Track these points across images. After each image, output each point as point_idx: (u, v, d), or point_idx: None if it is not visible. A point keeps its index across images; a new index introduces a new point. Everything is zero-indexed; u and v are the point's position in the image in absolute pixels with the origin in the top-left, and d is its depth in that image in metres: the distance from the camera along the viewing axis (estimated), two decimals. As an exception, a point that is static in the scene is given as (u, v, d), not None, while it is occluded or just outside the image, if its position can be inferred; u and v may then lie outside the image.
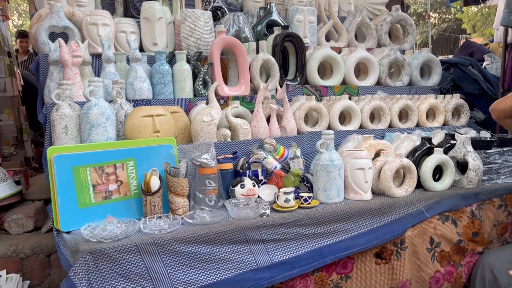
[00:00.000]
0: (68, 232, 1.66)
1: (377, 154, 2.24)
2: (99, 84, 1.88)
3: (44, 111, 2.03)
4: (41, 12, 2.34)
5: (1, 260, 1.86)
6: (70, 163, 1.70)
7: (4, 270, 1.79)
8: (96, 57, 2.34)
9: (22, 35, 5.69)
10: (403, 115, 2.77)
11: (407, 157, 2.24)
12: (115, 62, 2.22)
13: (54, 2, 2.28)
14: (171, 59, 2.42)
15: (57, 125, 1.86)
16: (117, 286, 1.44)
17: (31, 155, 3.53)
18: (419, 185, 2.19)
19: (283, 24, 2.82)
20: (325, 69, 2.89)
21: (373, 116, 2.69)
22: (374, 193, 2.11)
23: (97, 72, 2.32)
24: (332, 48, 2.86)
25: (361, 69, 2.98)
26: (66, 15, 2.31)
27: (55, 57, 2.08)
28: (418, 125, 2.74)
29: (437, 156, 2.18)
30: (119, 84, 2.02)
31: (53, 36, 2.29)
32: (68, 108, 1.88)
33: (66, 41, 2.27)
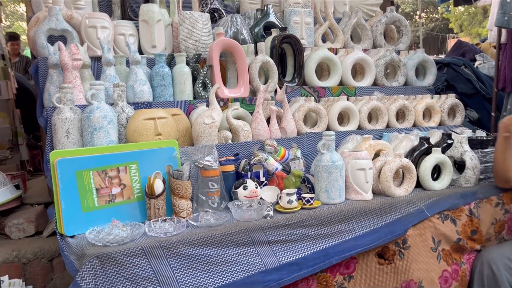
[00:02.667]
0: (72, 237, 1.65)
1: (377, 154, 2.26)
2: (100, 87, 1.88)
3: (44, 115, 2.02)
4: (39, 15, 2.32)
5: (3, 265, 1.85)
6: (73, 167, 1.70)
7: (7, 276, 1.77)
8: (96, 60, 2.33)
9: (13, 37, 5.63)
10: (400, 115, 2.80)
11: (406, 157, 2.27)
12: (114, 65, 2.21)
13: (52, 5, 2.26)
14: (171, 62, 2.42)
15: (58, 129, 1.85)
16: (125, 290, 1.44)
17: (26, 159, 3.50)
18: (418, 184, 2.21)
19: (280, 26, 2.83)
20: (322, 70, 2.91)
21: (370, 117, 2.72)
22: (374, 193, 2.14)
23: (97, 75, 2.31)
24: (328, 49, 2.88)
25: (357, 70, 3.00)
26: (64, 17, 2.30)
27: (54, 60, 2.07)
28: (415, 125, 2.77)
29: (436, 156, 2.21)
30: (120, 87, 2.01)
31: (51, 39, 2.27)
32: (69, 112, 1.87)
33: (64, 44, 2.26)
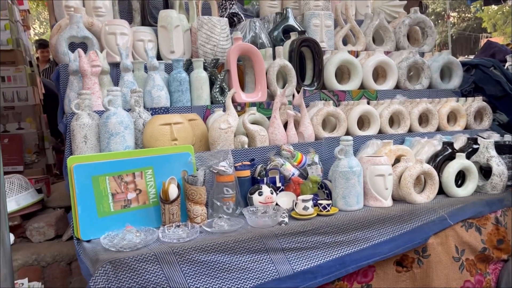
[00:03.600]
0: (88, 241, 1.67)
1: (397, 160, 2.20)
2: (117, 93, 1.90)
3: (64, 121, 2.06)
4: (61, 23, 2.37)
5: (23, 268, 1.89)
6: (90, 173, 1.72)
7: (26, 279, 1.81)
8: (115, 66, 2.37)
9: (42, 45, 5.80)
10: (423, 119, 2.72)
11: (428, 162, 2.20)
12: (133, 71, 2.24)
13: (73, 13, 2.31)
14: (188, 67, 2.43)
15: (76, 135, 1.89)
16: (137, 296, 1.44)
17: (52, 162, 3.59)
18: (441, 191, 2.14)
19: (299, 29, 2.80)
20: (342, 73, 2.86)
21: (392, 121, 2.65)
22: (394, 199, 2.08)
23: (116, 80, 2.35)
24: (349, 52, 2.83)
25: (379, 73, 2.94)
26: (85, 25, 2.35)
27: (74, 67, 2.11)
28: (439, 129, 2.68)
29: (460, 161, 2.13)
30: (137, 92, 2.03)
31: (72, 46, 2.32)
32: (87, 118, 1.90)
33: (85, 51, 2.30)
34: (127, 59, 2.17)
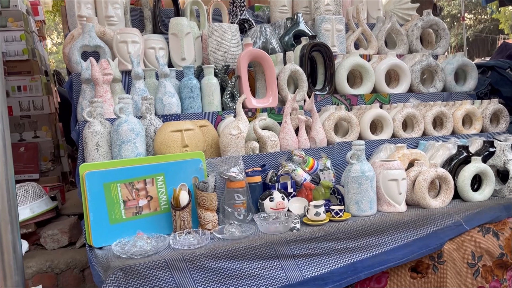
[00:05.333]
0: (100, 248, 1.68)
1: (411, 164, 2.17)
2: (128, 101, 1.91)
3: (77, 129, 2.09)
4: (74, 32, 2.41)
5: (37, 275, 1.91)
6: (102, 180, 1.73)
7: (40, 285, 1.83)
8: (126, 73, 2.39)
9: None
10: (438, 122, 2.68)
11: (443, 166, 2.16)
12: (144, 78, 2.26)
13: (86, 22, 2.34)
14: (199, 73, 2.44)
15: (89, 142, 1.91)
16: (147, 303, 1.44)
17: (67, 170, 3.64)
18: (457, 195, 2.10)
19: (310, 34, 2.79)
20: (354, 77, 2.84)
21: (405, 125, 2.61)
22: (408, 204, 2.04)
23: (127, 88, 2.37)
24: (361, 56, 2.81)
25: (392, 77, 2.91)
26: (98, 34, 2.38)
27: (87, 76, 2.13)
28: (453, 133, 2.64)
29: (475, 165, 2.09)
30: (148, 100, 2.05)
31: (85, 55, 2.36)
32: (99, 125, 1.92)
33: (97, 59, 2.33)
34: (138, 67, 2.19)
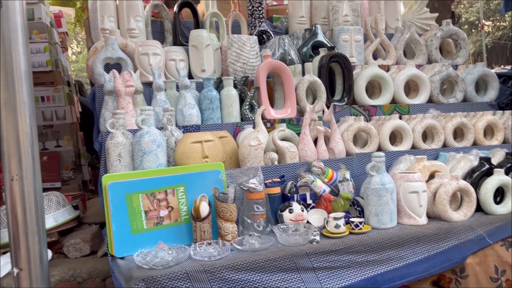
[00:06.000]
0: (122, 258, 1.70)
1: (431, 176, 2.15)
2: (150, 113, 1.95)
3: (99, 139, 2.13)
4: (97, 45, 2.47)
5: (60, 284, 1.94)
6: (124, 190, 1.76)
7: (63, 294, 1.86)
8: (147, 85, 2.43)
9: None
10: (458, 133, 2.65)
11: (464, 178, 2.13)
12: (165, 90, 2.29)
13: (108, 35, 2.40)
14: (219, 85, 2.47)
15: (111, 153, 1.94)
16: (169, 314, 1.45)
17: (88, 178, 3.70)
18: (479, 208, 2.07)
19: (329, 45, 2.80)
20: (373, 88, 2.83)
21: (425, 136, 2.59)
22: (429, 217, 2.02)
23: (149, 99, 2.41)
24: (380, 66, 2.80)
25: (411, 87, 2.89)
26: (120, 46, 2.43)
27: (109, 88, 2.18)
28: (475, 144, 2.60)
29: (498, 177, 2.06)
30: (169, 111, 2.08)
31: (108, 67, 2.41)
32: (121, 137, 1.96)
33: (119, 71, 2.38)
34: (159, 79, 2.23)
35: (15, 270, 1.29)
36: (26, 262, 1.30)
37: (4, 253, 2.03)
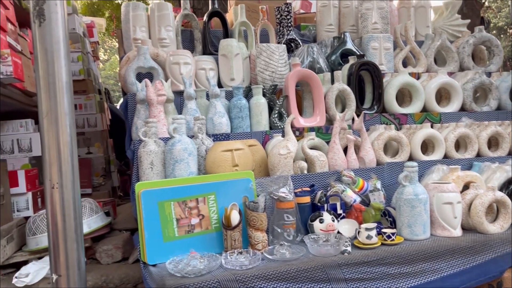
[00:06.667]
0: (154, 265, 1.72)
1: (466, 187, 2.09)
2: (182, 122, 1.97)
3: (132, 147, 2.16)
4: (130, 54, 2.52)
5: (93, 289, 1.98)
6: (156, 198, 1.78)
7: (96, 299, 1.90)
8: (178, 94, 2.47)
9: None
10: (493, 143, 2.58)
11: (501, 189, 2.08)
12: (195, 99, 2.32)
13: (140, 45, 2.45)
14: (248, 93, 2.48)
15: (143, 161, 1.97)
16: (201, 323, 1.46)
17: (117, 185, 3.78)
18: (516, 220, 2.00)
19: (358, 53, 2.78)
20: (403, 96, 2.80)
21: (458, 145, 2.53)
22: (464, 229, 1.97)
23: (179, 108, 2.44)
24: (410, 74, 2.76)
25: (442, 95, 2.84)
26: (151, 56, 2.48)
27: (141, 96, 2.22)
28: (510, 154, 2.53)
29: (536, 189, 1.99)
30: (200, 120, 2.10)
31: (139, 77, 2.45)
32: (153, 145, 1.99)
33: (151, 80, 2.43)
34: (190, 88, 2.26)
35: (54, 276, 1.32)
36: (65, 268, 1.33)
37: (39, 258, 2.08)
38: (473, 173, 2.13)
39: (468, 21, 3.35)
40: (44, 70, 1.32)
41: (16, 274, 1.95)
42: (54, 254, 1.34)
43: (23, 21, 2.55)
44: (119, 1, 9.12)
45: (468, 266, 1.76)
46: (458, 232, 1.91)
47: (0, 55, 1.95)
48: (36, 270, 1.96)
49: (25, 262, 2.06)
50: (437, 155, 2.42)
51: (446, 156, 2.44)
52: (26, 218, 2.25)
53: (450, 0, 3.36)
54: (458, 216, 1.91)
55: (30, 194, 2.31)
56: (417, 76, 2.86)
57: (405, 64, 3.04)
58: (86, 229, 2.12)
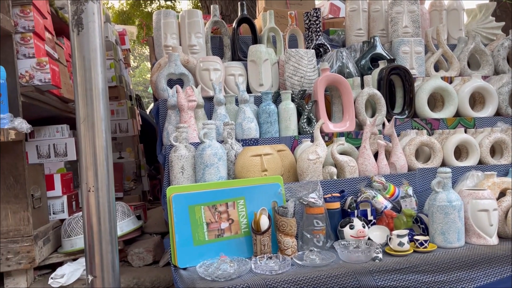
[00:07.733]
0: (184, 269, 1.74)
1: (502, 194, 2.03)
2: (212, 127, 2.00)
3: (163, 152, 2.20)
4: (161, 61, 2.58)
5: (125, 291, 2.02)
6: (187, 202, 1.81)
7: (128, 301, 1.93)
8: (208, 100, 2.50)
9: None
10: (530, 148, 2.49)
11: (540, 197, 2.00)
12: (225, 104, 2.34)
13: (171, 52, 2.50)
14: (276, 99, 2.49)
15: (174, 166, 2.01)
16: (231, 327, 1.47)
17: (147, 189, 3.85)
18: (557, 229, 1.92)
19: (388, 57, 2.75)
20: (435, 101, 2.74)
21: (493, 150, 2.46)
22: (500, 237, 1.91)
23: (209, 113, 2.47)
24: (442, 78, 2.71)
25: (476, 99, 2.76)
26: (182, 62, 2.52)
27: (172, 102, 2.26)
28: (549, 160, 2.44)
29: None
30: (230, 125, 2.12)
31: (170, 83, 2.50)
32: (184, 150, 2.02)
33: (182, 86, 2.47)
34: (220, 93, 2.29)
35: (90, 277, 1.36)
36: (100, 270, 1.36)
37: (74, 259, 2.14)
38: (510, 180, 2.06)
39: (503, 23, 3.25)
40: (81, 77, 1.37)
41: (52, 275, 2.01)
42: (89, 256, 1.38)
43: (60, 30, 2.65)
44: (149, 10, 9.34)
45: (506, 276, 1.71)
46: (494, 240, 1.85)
47: (39, 63, 2.03)
48: (71, 271, 2.02)
49: (60, 264, 2.13)
50: (471, 161, 2.36)
51: (480, 162, 2.38)
52: (61, 220, 2.32)
53: (483, 2, 3.27)
54: (494, 224, 1.85)
55: (65, 197, 2.38)
56: (450, 80, 2.80)
57: (436, 68, 2.98)
58: (118, 232, 2.16)
